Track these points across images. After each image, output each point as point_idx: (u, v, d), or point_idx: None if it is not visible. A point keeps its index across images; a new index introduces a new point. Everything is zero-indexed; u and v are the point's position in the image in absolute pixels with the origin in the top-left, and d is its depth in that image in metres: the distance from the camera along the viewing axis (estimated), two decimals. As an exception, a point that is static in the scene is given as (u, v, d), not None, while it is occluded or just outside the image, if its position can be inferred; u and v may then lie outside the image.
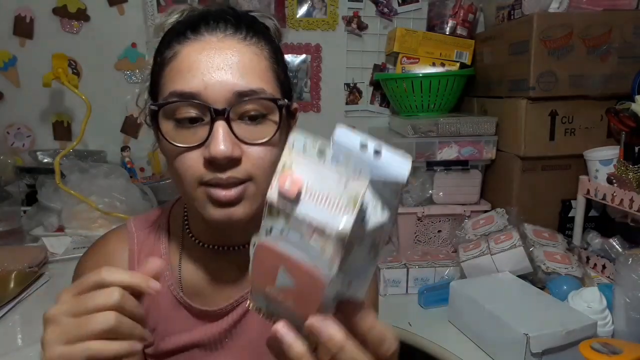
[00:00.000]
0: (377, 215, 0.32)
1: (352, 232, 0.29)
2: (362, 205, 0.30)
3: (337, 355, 0.32)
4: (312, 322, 0.32)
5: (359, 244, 0.32)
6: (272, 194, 0.31)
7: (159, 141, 0.54)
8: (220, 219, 0.51)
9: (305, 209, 0.30)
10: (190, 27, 0.52)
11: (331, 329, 0.32)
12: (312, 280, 0.30)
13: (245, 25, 0.53)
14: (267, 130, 0.52)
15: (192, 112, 0.50)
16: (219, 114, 0.48)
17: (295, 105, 0.59)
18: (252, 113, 0.51)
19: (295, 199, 0.30)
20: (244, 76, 0.50)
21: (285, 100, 0.53)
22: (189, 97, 0.49)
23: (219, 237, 0.60)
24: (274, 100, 0.52)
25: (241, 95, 0.49)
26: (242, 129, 0.50)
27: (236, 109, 0.50)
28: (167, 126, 0.51)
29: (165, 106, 0.50)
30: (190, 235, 0.61)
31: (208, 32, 0.51)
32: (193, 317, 0.60)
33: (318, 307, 0.31)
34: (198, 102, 0.49)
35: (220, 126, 0.48)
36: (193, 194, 0.51)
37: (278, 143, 0.53)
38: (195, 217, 0.61)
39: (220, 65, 0.49)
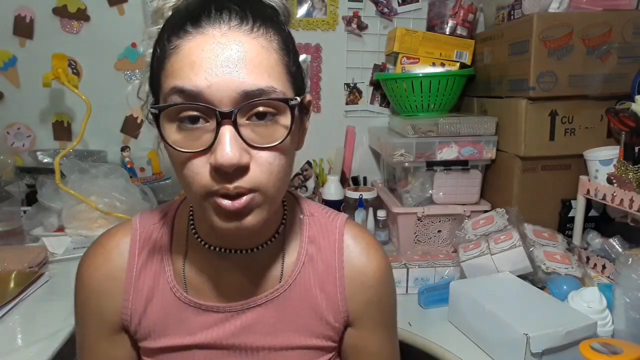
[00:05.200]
0: None
1: None
2: None
3: None
4: None
5: None
6: None
7: (164, 145, 0.51)
8: (228, 230, 0.49)
9: None
10: (191, 19, 0.47)
11: None
12: None
13: (252, 13, 0.48)
14: (277, 132, 0.48)
15: (196, 113, 0.46)
16: (225, 117, 0.45)
17: (308, 97, 0.56)
18: (262, 110, 0.47)
19: None
20: (251, 73, 0.46)
21: (297, 99, 0.49)
22: (191, 96, 0.45)
23: (225, 241, 0.59)
24: (285, 101, 0.48)
25: (249, 96, 0.46)
26: (251, 131, 0.47)
27: (243, 110, 0.46)
28: (170, 129, 0.48)
29: (167, 109, 0.47)
30: (196, 236, 0.60)
31: (210, 24, 0.46)
32: (195, 317, 0.60)
33: None
34: (202, 105, 0.45)
35: (227, 130, 0.45)
36: (201, 203, 0.49)
37: (290, 147, 0.50)
38: (201, 220, 0.60)
39: (224, 62, 0.45)
